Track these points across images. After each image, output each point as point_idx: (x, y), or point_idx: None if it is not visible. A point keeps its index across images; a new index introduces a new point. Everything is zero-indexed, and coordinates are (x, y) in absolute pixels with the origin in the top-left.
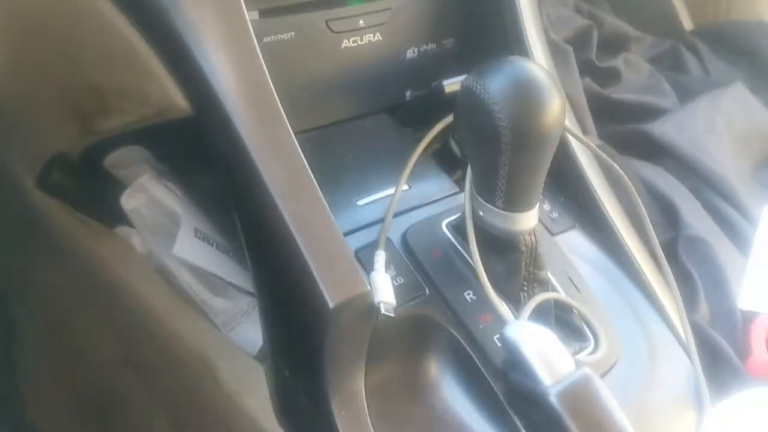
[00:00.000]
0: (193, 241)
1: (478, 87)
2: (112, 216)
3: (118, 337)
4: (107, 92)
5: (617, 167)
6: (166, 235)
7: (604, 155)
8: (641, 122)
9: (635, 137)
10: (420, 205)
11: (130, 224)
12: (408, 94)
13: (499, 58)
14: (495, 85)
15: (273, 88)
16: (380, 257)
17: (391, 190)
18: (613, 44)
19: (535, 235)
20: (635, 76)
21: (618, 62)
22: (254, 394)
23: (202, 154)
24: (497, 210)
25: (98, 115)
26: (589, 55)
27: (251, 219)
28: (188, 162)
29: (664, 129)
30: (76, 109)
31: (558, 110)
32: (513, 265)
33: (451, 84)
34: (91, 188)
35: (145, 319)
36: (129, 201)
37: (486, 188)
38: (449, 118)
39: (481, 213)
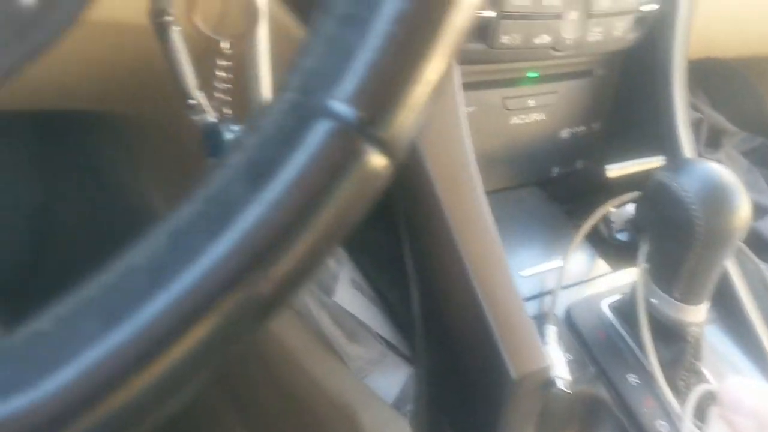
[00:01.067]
0: (350, 290)
1: (675, 184)
2: None
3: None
4: None
5: (762, 267)
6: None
7: (751, 254)
8: None
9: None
10: (579, 282)
11: None
12: (555, 170)
13: (690, 159)
14: (692, 185)
15: (474, 160)
16: (552, 332)
17: (550, 264)
18: (711, 137)
19: (702, 328)
20: (734, 171)
21: (721, 156)
22: None
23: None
24: (673, 300)
25: None
26: (698, 147)
27: (434, 280)
28: None
29: None
30: None
31: (747, 212)
32: (677, 354)
33: (614, 170)
34: None
35: (280, 360)
36: None
37: (665, 279)
38: (611, 204)
39: (653, 300)
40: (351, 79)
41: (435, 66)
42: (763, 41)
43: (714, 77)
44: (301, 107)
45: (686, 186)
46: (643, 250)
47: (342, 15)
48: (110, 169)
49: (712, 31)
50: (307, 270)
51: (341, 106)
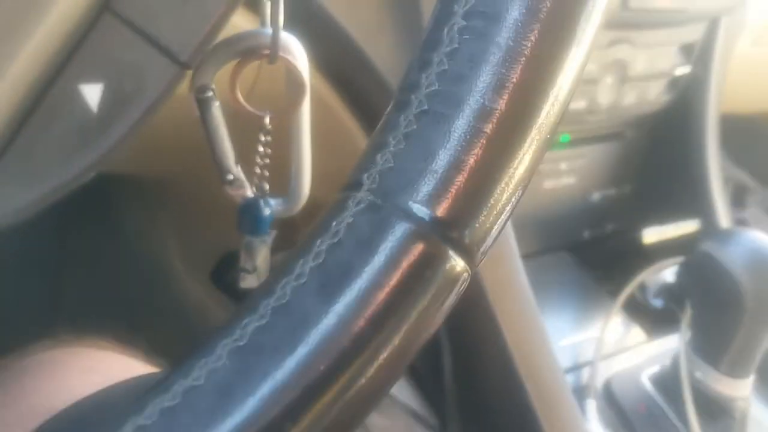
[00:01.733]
0: None
1: (722, 256)
2: None
3: None
4: None
5: None
6: None
7: None
8: None
9: None
10: (616, 352)
11: None
12: (586, 234)
13: (735, 229)
14: (739, 256)
15: (510, 224)
16: (592, 407)
17: (587, 333)
18: (736, 195)
19: (748, 402)
20: (760, 230)
21: (747, 215)
22: None
23: None
24: (719, 374)
25: None
26: None
27: (468, 349)
28: None
29: None
30: None
31: None
32: (722, 430)
33: (651, 235)
34: None
35: None
36: None
37: (711, 351)
38: (650, 271)
39: (698, 374)
40: (431, 182)
41: (521, 167)
42: None
43: (735, 133)
44: (377, 209)
45: (734, 258)
46: (686, 320)
47: (418, 112)
48: (131, 231)
49: (731, 86)
50: (380, 389)
51: (420, 209)
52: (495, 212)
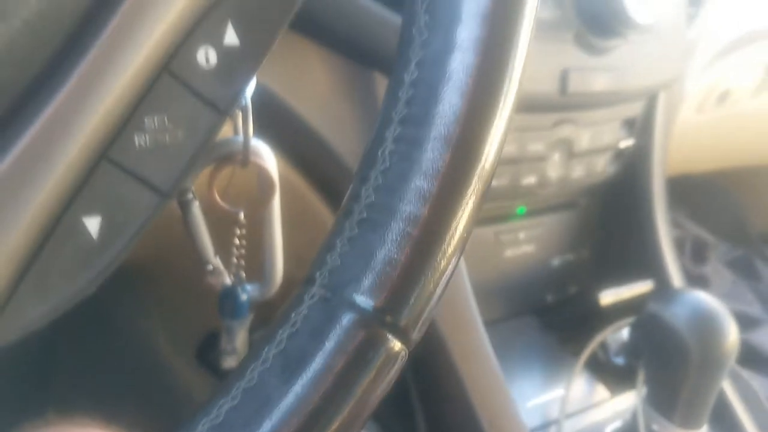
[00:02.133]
0: None
1: (667, 315)
2: None
3: None
4: None
5: (754, 389)
6: None
7: (744, 374)
8: None
9: None
10: (581, 409)
11: None
12: (549, 298)
13: (679, 290)
14: (683, 315)
15: (472, 295)
16: None
17: (552, 393)
18: (696, 251)
19: None
20: (720, 284)
21: (707, 270)
22: None
23: None
24: (674, 426)
25: None
26: (684, 262)
27: (440, 414)
28: None
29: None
30: None
31: (735, 338)
32: None
33: (608, 297)
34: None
35: None
36: None
37: (665, 405)
38: (607, 332)
39: (655, 426)
40: (370, 277)
41: (446, 261)
42: (735, 154)
43: (694, 192)
44: (327, 302)
45: (679, 317)
46: (641, 377)
47: (360, 219)
48: (119, 314)
49: (682, 150)
50: None
51: (363, 300)
52: (424, 298)
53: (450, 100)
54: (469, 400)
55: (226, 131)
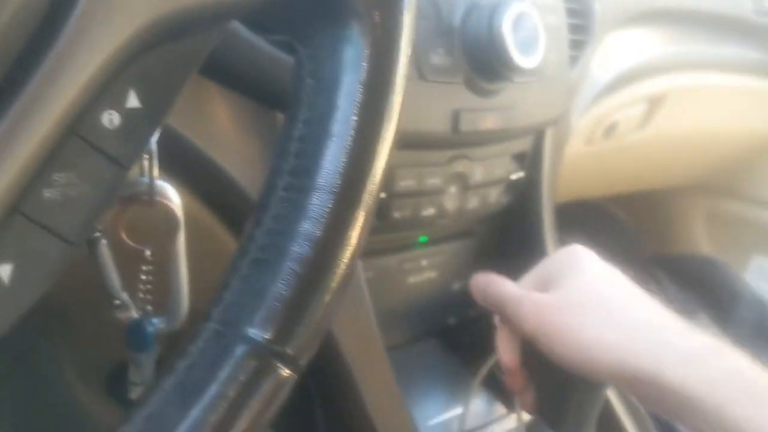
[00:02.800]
0: None
1: None
2: None
3: None
4: None
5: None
6: None
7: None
8: None
9: None
10: (480, 426)
11: None
12: (452, 320)
13: None
14: None
15: (375, 324)
16: None
17: (453, 412)
18: None
19: None
20: None
21: None
22: None
23: None
24: None
25: None
26: None
27: None
28: None
29: None
30: None
31: None
32: None
33: None
34: None
35: None
36: None
37: (554, 419)
38: None
39: None
40: (261, 312)
41: (330, 296)
42: (624, 181)
43: (588, 217)
44: (221, 336)
45: None
46: (531, 391)
47: (253, 259)
48: (26, 346)
49: (575, 178)
50: None
51: (254, 333)
52: (311, 329)
53: (333, 154)
54: (371, 421)
55: (133, 172)
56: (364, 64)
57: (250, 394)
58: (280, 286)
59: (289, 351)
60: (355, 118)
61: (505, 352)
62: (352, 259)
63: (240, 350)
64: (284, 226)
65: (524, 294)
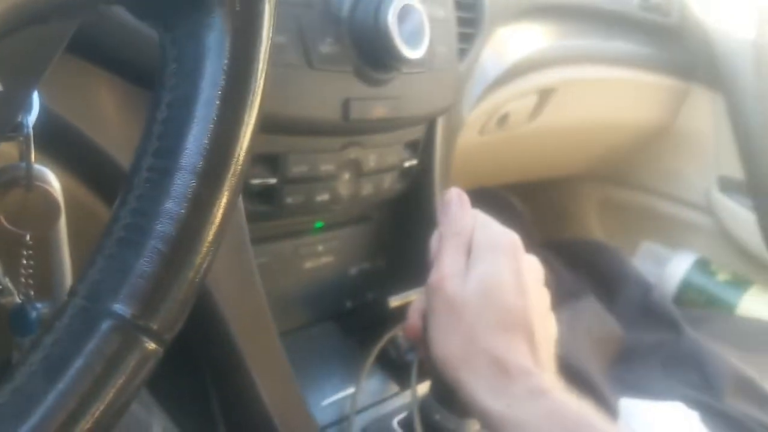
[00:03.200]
0: None
1: None
2: None
3: None
4: None
5: None
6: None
7: None
8: None
9: None
10: (373, 404)
11: None
12: (348, 304)
13: None
14: None
15: (268, 308)
16: None
17: (346, 392)
18: None
19: None
20: None
21: None
22: None
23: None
24: (453, 415)
25: None
26: None
27: (238, 422)
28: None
29: None
30: None
31: None
32: None
33: (396, 300)
34: None
35: None
36: None
37: (445, 396)
38: (394, 331)
39: (437, 417)
40: (126, 288)
41: (194, 272)
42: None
43: (485, 204)
44: (87, 311)
45: None
46: (415, 370)
47: (117, 238)
48: None
49: (472, 167)
50: None
51: (119, 308)
52: (176, 304)
53: (195, 136)
54: (264, 404)
55: (11, 156)
56: (225, 49)
57: (116, 366)
58: (144, 263)
59: (154, 326)
60: (217, 102)
61: (413, 314)
62: (216, 236)
63: (105, 325)
64: (148, 205)
65: (445, 276)
